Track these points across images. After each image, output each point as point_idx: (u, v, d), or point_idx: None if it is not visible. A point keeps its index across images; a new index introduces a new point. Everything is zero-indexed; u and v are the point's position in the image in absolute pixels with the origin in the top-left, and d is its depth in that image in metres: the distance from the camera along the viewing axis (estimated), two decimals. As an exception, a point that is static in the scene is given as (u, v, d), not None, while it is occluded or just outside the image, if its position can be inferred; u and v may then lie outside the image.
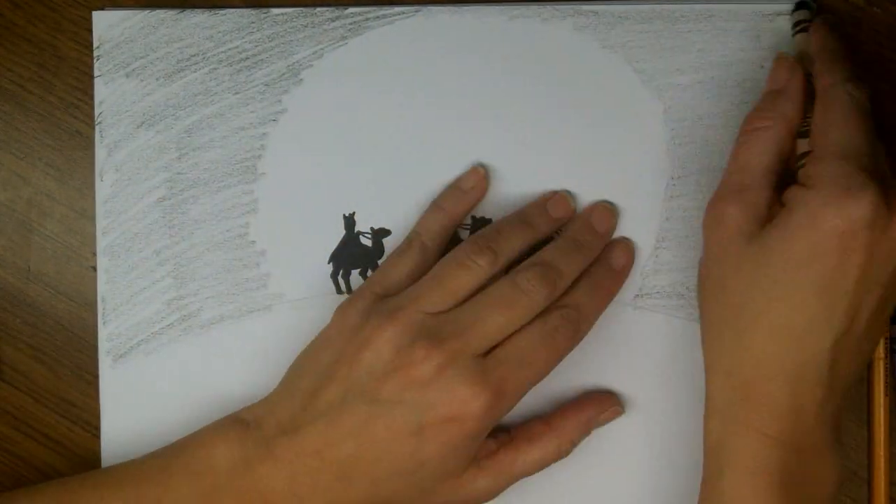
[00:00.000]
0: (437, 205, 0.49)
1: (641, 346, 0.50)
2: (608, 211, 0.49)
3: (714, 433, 0.44)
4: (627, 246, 0.50)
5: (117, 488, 0.46)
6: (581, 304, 0.47)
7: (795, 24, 0.49)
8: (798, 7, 0.49)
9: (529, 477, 0.47)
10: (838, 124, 0.43)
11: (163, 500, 0.46)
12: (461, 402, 0.44)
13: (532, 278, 0.45)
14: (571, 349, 0.46)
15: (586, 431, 0.48)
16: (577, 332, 0.46)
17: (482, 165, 0.49)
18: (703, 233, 0.46)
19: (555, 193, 0.50)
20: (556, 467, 0.47)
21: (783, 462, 0.42)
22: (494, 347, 0.45)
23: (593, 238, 0.49)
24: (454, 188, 0.49)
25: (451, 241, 0.50)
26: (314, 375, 0.46)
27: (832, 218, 0.41)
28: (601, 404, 0.49)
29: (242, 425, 0.46)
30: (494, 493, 0.47)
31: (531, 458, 0.47)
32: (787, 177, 0.45)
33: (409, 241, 0.49)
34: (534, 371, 0.45)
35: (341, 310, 0.47)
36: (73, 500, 0.47)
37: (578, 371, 0.49)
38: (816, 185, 0.42)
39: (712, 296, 0.45)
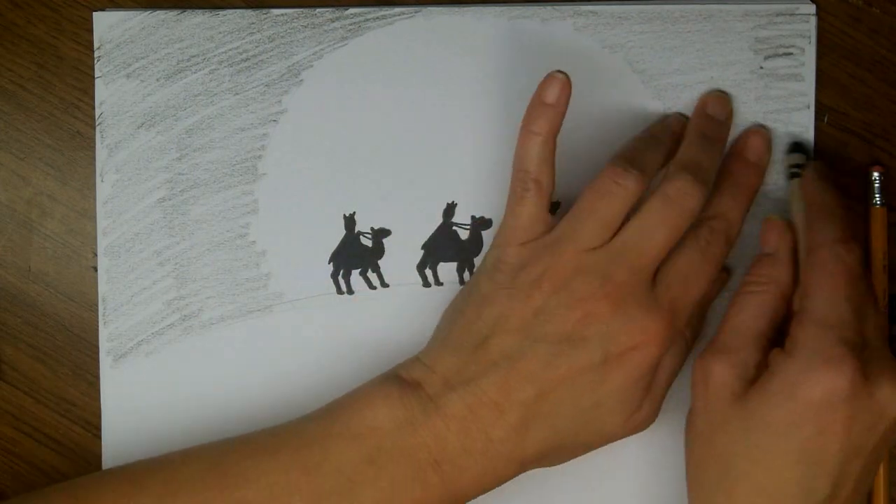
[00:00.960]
0: (528, 130, 0.45)
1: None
2: (722, 98, 0.49)
3: None
4: (762, 134, 0.49)
5: (274, 455, 0.44)
6: (725, 211, 0.46)
7: (790, 167, 0.48)
8: (793, 150, 0.49)
9: (528, 479, 0.46)
10: (823, 289, 0.43)
11: (323, 465, 0.44)
12: (641, 329, 0.43)
13: (683, 185, 0.44)
14: (727, 256, 0.46)
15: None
16: (728, 238, 0.46)
17: (560, 71, 0.45)
18: (690, 385, 0.46)
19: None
20: (553, 470, 0.47)
21: None
22: (657, 274, 0.44)
23: (717, 127, 0.48)
24: (538, 105, 0.45)
25: (451, 245, 0.50)
26: (478, 330, 0.44)
27: (809, 389, 0.41)
28: None
29: (401, 384, 0.44)
30: (651, 419, 0.46)
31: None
32: (779, 338, 0.45)
33: (521, 183, 0.45)
34: (699, 287, 0.45)
35: (491, 266, 0.45)
36: (227, 466, 0.44)
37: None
38: (795, 354, 0.42)
39: (699, 447, 0.45)
